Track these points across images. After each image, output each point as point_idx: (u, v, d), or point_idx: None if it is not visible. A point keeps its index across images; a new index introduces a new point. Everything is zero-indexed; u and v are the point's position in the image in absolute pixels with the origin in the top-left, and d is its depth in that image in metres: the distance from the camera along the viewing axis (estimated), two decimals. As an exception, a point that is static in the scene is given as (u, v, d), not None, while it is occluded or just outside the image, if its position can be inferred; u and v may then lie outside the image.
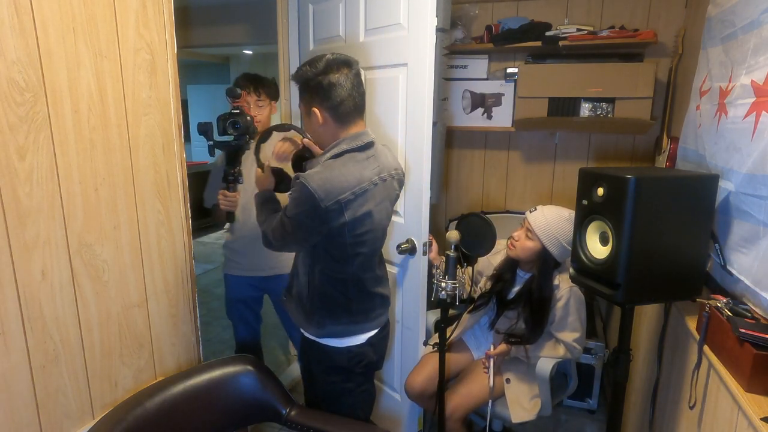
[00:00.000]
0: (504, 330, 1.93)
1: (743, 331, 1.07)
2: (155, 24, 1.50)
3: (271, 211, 1.54)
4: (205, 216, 2.14)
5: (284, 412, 1.54)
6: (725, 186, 1.32)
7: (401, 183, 1.57)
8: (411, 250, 1.91)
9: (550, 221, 1.77)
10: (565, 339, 1.81)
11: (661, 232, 1.26)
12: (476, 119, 2.88)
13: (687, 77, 1.96)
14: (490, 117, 2.85)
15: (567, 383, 2.04)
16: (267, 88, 2.10)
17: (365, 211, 1.38)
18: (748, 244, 1.21)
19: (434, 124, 1.84)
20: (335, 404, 1.57)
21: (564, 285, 1.81)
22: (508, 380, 1.90)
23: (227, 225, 2.05)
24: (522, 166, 2.94)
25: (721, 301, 1.23)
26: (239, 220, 1.99)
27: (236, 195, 1.81)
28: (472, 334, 2.09)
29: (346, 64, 1.36)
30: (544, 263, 1.82)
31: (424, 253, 1.90)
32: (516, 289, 1.94)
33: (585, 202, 1.39)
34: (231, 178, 1.80)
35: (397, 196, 1.57)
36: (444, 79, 2.75)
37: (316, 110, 1.38)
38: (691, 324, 1.37)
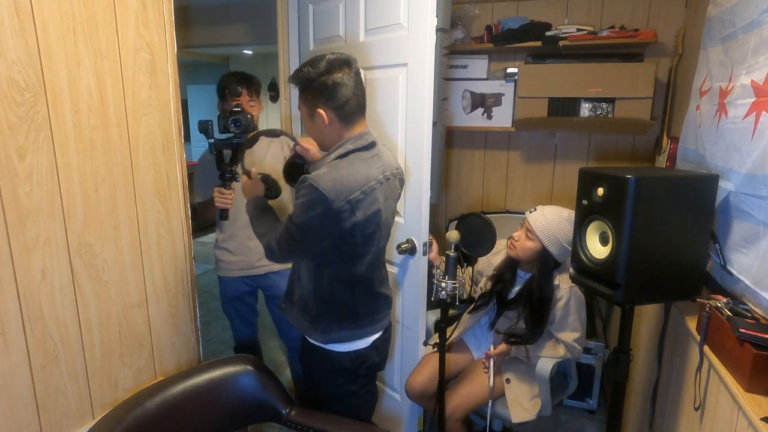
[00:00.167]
0: (504, 330, 1.93)
1: (743, 331, 1.07)
2: (155, 24, 1.50)
3: (271, 222, 1.50)
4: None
5: (284, 412, 1.54)
6: (725, 186, 1.32)
7: (402, 182, 1.57)
8: (411, 250, 1.91)
9: (550, 221, 1.77)
10: (565, 339, 1.81)
11: (661, 232, 1.26)
12: (476, 119, 2.88)
13: (687, 77, 1.96)
14: (490, 117, 2.85)
15: (567, 383, 2.04)
16: (257, 86, 2.12)
17: (374, 209, 1.37)
18: (748, 244, 1.21)
19: (434, 124, 1.84)
20: (338, 406, 1.57)
21: (564, 285, 1.82)
22: (508, 380, 1.90)
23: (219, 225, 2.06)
24: (522, 166, 2.94)
25: (721, 301, 1.23)
26: (231, 218, 1.99)
27: (232, 192, 1.82)
28: (473, 334, 2.09)
29: (346, 63, 1.35)
30: (544, 263, 1.82)
31: (424, 253, 1.90)
32: (516, 289, 1.94)
33: (585, 202, 1.39)
34: (228, 176, 1.81)
35: (399, 195, 1.57)
36: (444, 79, 2.75)
37: (321, 111, 1.35)
38: (691, 324, 1.37)
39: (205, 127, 1.76)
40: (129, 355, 1.54)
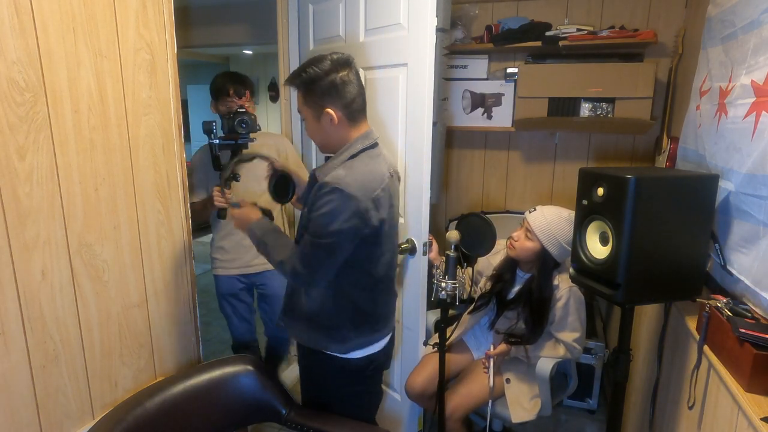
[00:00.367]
0: (504, 330, 1.93)
1: (743, 331, 1.07)
2: (155, 24, 1.50)
3: (286, 244, 1.41)
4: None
5: (284, 412, 1.54)
6: (725, 186, 1.32)
7: (399, 180, 1.58)
8: (411, 250, 1.91)
9: (549, 221, 1.77)
10: (565, 339, 1.81)
11: (661, 232, 1.26)
12: (476, 119, 2.88)
13: (687, 77, 1.96)
14: (490, 117, 2.85)
15: (567, 383, 2.04)
16: (251, 87, 2.13)
17: (390, 206, 1.38)
18: (748, 244, 1.21)
19: (434, 124, 1.84)
20: (344, 408, 1.54)
21: (564, 285, 1.81)
22: (508, 380, 1.90)
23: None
24: (522, 166, 2.94)
25: (721, 301, 1.23)
26: (228, 217, 2.01)
27: (230, 192, 1.84)
28: (473, 335, 2.09)
29: (348, 62, 1.35)
30: (544, 263, 1.82)
31: (424, 253, 1.90)
32: (516, 289, 1.94)
33: (585, 202, 1.39)
34: (230, 176, 1.83)
35: (398, 193, 1.57)
36: (444, 79, 2.75)
37: (330, 111, 1.32)
38: (691, 324, 1.37)
39: (209, 128, 1.79)
40: (129, 355, 1.54)
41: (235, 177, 1.85)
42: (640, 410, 1.93)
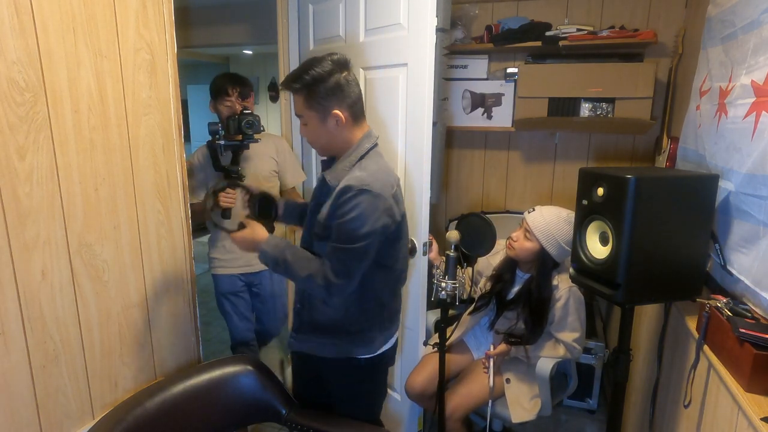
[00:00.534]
0: (504, 330, 1.93)
1: (743, 331, 1.07)
2: (155, 24, 1.50)
3: (309, 257, 1.34)
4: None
5: (284, 412, 1.54)
6: (725, 186, 1.32)
7: None
8: (411, 250, 1.91)
9: (548, 222, 1.77)
10: (565, 339, 1.81)
11: (661, 232, 1.26)
12: (476, 119, 2.88)
13: (687, 77, 1.96)
14: (490, 117, 2.85)
15: (567, 383, 2.04)
16: (249, 87, 2.15)
17: (402, 200, 1.40)
18: (748, 244, 1.21)
19: (434, 124, 1.84)
20: (359, 408, 1.54)
21: (563, 285, 1.81)
22: (508, 380, 1.89)
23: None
24: (522, 166, 2.94)
25: (721, 301, 1.23)
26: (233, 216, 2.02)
27: (234, 193, 1.88)
28: (473, 335, 2.09)
29: (347, 62, 1.35)
30: (543, 264, 1.82)
31: (424, 253, 1.90)
32: (515, 289, 1.94)
33: (585, 202, 1.39)
34: (235, 176, 1.85)
35: None
36: (444, 79, 2.75)
37: (338, 112, 1.30)
38: (691, 324, 1.37)
39: (216, 130, 1.83)
40: (129, 355, 1.54)
41: (240, 177, 1.87)
42: (640, 410, 1.93)
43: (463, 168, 3.07)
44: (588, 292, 1.59)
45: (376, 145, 1.40)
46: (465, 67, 2.85)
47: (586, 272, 1.41)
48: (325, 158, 1.45)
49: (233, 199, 1.88)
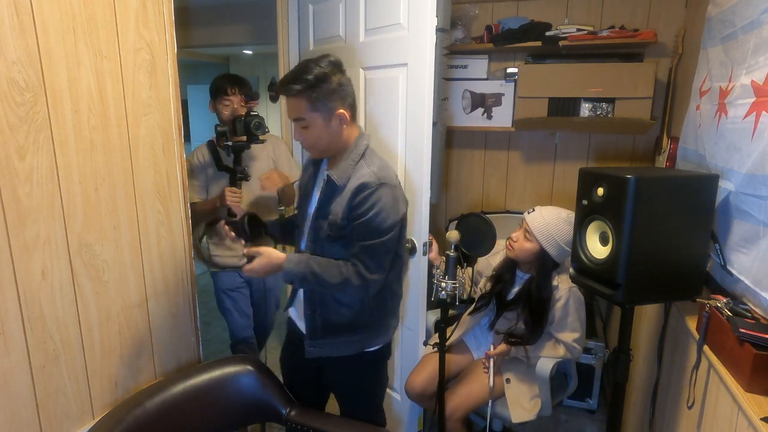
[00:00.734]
0: (504, 330, 1.93)
1: (743, 331, 1.07)
2: (155, 24, 1.50)
3: (331, 263, 1.33)
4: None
5: (284, 412, 1.54)
6: (725, 186, 1.32)
7: None
8: (411, 250, 1.91)
9: (548, 222, 1.77)
10: (565, 339, 1.81)
11: (661, 232, 1.26)
12: (476, 119, 2.88)
13: (687, 77, 1.96)
14: (490, 117, 2.85)
15: (567, 383, 2.04)
16: (248, 88, 2.18)
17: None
18: (748, 244, 1.21)
19: (434, 124, 1.83)
20: (373, 398, 1.58)
21: (563, 285, 1.81)
22: (508, 380, 1.89)
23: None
24: (522, 166, 2.94)
25: (721, 301, 1.23)
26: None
27: (240, 192, 1.92)
28: (473, 335, 2.09)
29: (341, 63, 1.35)
30: (543, 264, 1.82)
31: (424, 253, 1.90)
32: (515, 289, 1.93)
33: (585, 202, 1.39)
34: (240, 176, 1.87)
35: None
36: (444, 79, 2.75)
37: (343, 111, 1.31)
38: (691, 324, 1.37)
39: (224, 132, 1.87)
40: (129, 355, 1.54)
41: (245, 176, 1.88)
42: (640, 410, 1.93)
43: (463, 168, 3.07)
44: (588, 292, 1.59)
45: (369, 143, 1.43)
46: (465, 67, 2.85)
47: (586, 272, 1.40)
48: (315, 159, 1.48)
49: (239, 199, 1.90)
